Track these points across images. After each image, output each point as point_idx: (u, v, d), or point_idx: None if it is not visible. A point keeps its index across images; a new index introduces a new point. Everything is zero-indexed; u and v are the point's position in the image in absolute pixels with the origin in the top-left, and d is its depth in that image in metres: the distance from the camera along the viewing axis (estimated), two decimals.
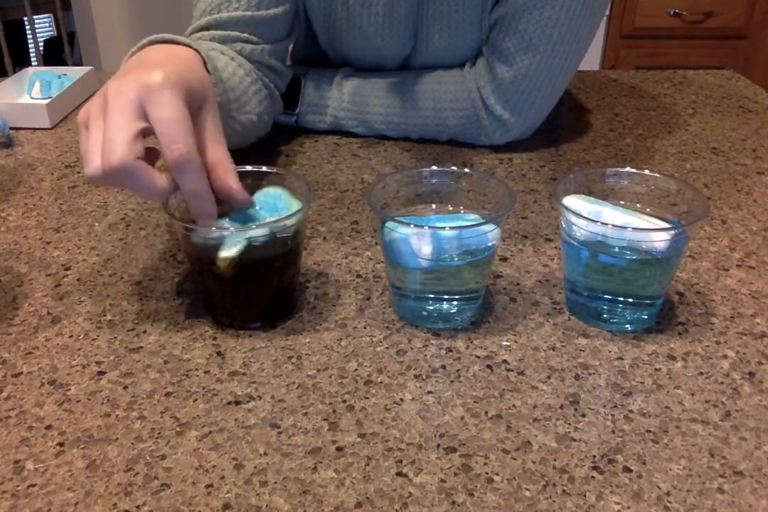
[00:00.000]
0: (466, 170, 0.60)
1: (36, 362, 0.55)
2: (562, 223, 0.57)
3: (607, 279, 0.57)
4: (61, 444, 0.48)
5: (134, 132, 0.50)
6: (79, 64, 2.89)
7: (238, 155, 0.85)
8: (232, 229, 0.54)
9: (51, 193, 0.79)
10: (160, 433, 0.49)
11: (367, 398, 0.52)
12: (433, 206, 0.61)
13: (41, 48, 2.98)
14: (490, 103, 0.84)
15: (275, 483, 0.45)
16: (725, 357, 0.55)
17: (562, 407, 0.51)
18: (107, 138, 0.50)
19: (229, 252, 0.53)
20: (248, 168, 0.60)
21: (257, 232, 0.53)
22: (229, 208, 0.59)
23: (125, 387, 0.53)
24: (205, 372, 0.54)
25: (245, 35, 0.80)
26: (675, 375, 0.54)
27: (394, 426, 0.49)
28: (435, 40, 0.85)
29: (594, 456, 0.47)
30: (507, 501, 0.44)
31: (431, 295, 0.58)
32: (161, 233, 0.72)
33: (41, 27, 3.43)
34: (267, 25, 0.81)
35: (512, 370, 0.54)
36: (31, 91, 1.02)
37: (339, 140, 0.91)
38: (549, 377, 0.53)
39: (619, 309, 0.58)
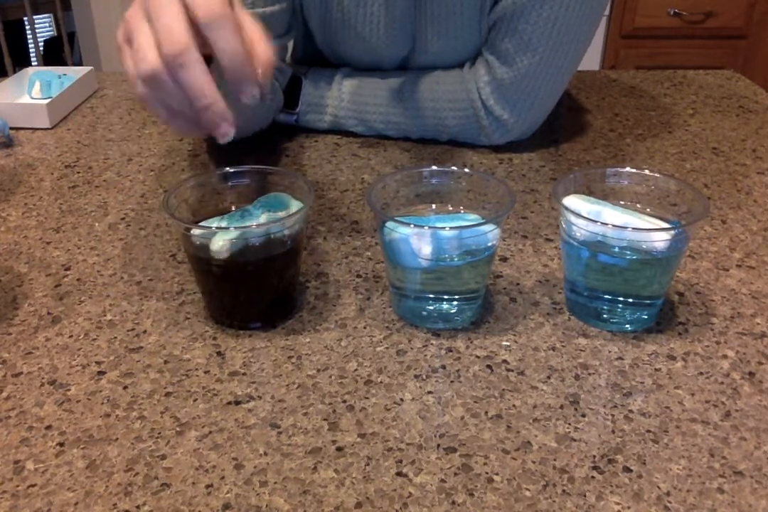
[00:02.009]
0: (466, 170, 0.60)
1: (36, 362, 0.55)
2: (562, 223, 0.57)
3: (607, 279, 0.57)
4: (61, 444, 0.48)
5: (188, 21, 0.47)
6: (79, 64, 2.89)
7: (239, 155, 0.86)
8: (231, 228, 0.54)
9: (51, 193, 0.79)
10: (160, 433, 0.49)
11: (367, 398, 0.52)
12: (433, 206, 0.61)
13: (41, 48, 2.98)
14: (490, 103, 0.84)
15: (275, 483, 0.45)
16: (725, 357, 0.55)
17: (562, 407, 0.51)
18: (163, 29, 0.46)
19: (221, 243, 0.53)
20: (248, 168, 0.61)
21: (255, 231, 0.54)
22: (228, 207, 0.59)
23: (125, 387, 0.53)
24: (205, 372, 0.54)
25: None
26: (675, 375, 0.54)
27: (394, 426, 0.49)
28: (433, 41, 0.85)
29: (594, 456, 0.47)
30: (507, 501, 0.44)
31: (431, 295, 0.58)
32: (161, 233, 0.72)
33: (41, 27, 3.43)
34: (263, 22, 0.81)
35: (512, 370, 0.54)
36: (31, 91, 1.02)
37: (339, 140, 0.91)
38: (549, 377, 0.53)
39: (619, 309, 0.58)
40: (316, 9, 0.86)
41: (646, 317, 0.58)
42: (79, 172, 0.84)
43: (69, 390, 0.53)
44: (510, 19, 0.80)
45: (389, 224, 0.55)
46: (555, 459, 0.47)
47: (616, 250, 0.55)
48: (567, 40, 0.81)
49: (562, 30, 0.80)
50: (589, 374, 0.54)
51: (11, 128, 0.93)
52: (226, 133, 0.50)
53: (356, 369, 0.54)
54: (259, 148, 0.88)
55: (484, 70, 0.84)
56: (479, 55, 0.86)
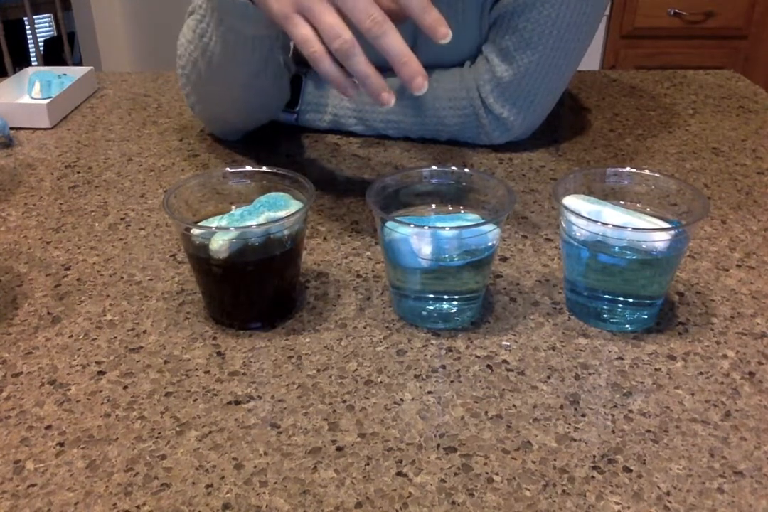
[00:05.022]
0: (466, 170, 0.60)
1: (36, 362, 0.55)
2: (562, 223, 0.57)
3: (607, 279, 0.57)
4: (61, 444, 0.48)
5: None
6: (79, 64, 2.89)
7: (239, 155, 0.86)
8: (231, 228, 0.54)
9: (51, 193, 0.79)
10: (160, 433, 0.49)
11: (367, 398, 0.52)
12: (433, 206, 0.61)
13: (41, 48, 2.98)
14: (489, 101, 0.84)
15: (275, 483, 0.45)
16: (725, 357, 0.55)
17: (562, 407, 0.51)
18: (356, 7, 0.56)
19: (220, 242, 0.53)
20: (248, 168, 0.61)
21: (255, 231, 0.54)
22: (228, 207, 0.59)
23: (125, 387, 0.53)
24: (205, 372, 0.54)
25: None
26: (675, 375, 0.54)
27: (394, 426, 0.49)
28: None
29: (594, 456, 0.47)
30: (507, 501, 0.44)
31: (431, 295, 0.58)
32: (161, 233, 0.72)
33: (41, 27, 3.43)
34: None
35: (512, 370, 0.54)
36: (31, 91, 1.02)
37: (339, 140, 0.91)
38: (549, 377, 0.53)
39: (619, 309, 0.58)
40: None
41: (646, 317, 0.58)
42: (79, 172, 0.84)
43: (69, 390, 0.53)
44: (511, 16, 0.81)
45: (389, 224, 0.55)
46: (555, 459, 0.47)
47: (616, 250, 0.55)
48: (568, 39, 0.81)
49: (562, 28, 0.80)
50: (589, 374, 0.54)
51: (11, 128, 0.93)
52: (421, 85, 0.59)
53: (356, 369, 0.54)
54: (259, 148, 0.88)
55: (484, 68, 0.84)
56: (479, 53, 0.86)
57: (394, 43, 0.57)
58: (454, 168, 0.60)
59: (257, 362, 0.55)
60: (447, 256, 0.55)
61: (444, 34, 0.57)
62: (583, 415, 0.50)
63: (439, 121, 0.87)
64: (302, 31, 0.58)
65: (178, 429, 0.49)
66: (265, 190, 0.59)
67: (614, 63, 2.31)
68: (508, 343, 0.57)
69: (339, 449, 0.48)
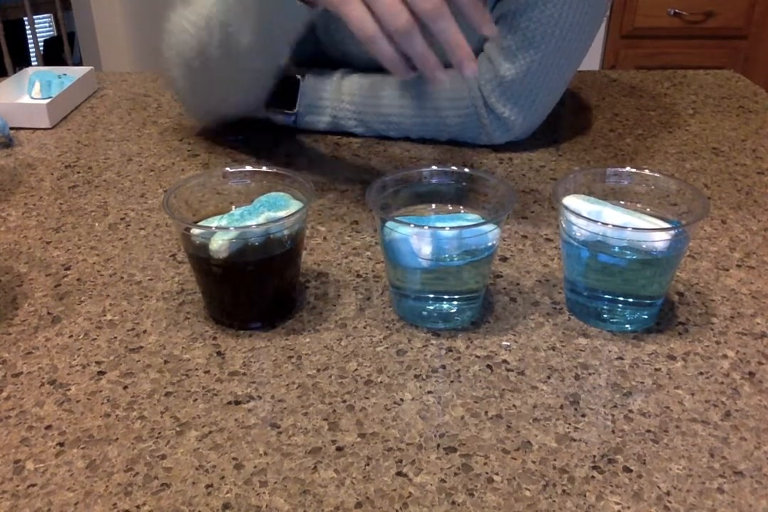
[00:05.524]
0: (466, 170, 0.60)
1: (36, 362, 0.55)
2: (562, 222, 0.57)
3: (607, 279, 0.57)
4: (61, 444, 0.48)
5: None
6: (79, 64, 2.89)
7: (239, 155, 0.86)
8: (231, 227, 0.54)
9: (51, 193, 0.79)
10: (160, 433, 0.49)
11: (367, 398, 0.52)
12: (433, 206, 0.61)
13: (41, 48, 2.98)
14: (491, 101, 0.84)
15: (275, 483, 0.45)
16: (725, 357, 0.55)
17: (562, 407, 0.51)
18: None
19: (220, 242, 0.53)
20: (248, 168, 0.61)
21: (255, 231, 0.54)
22: (228, 207, 0.59)
23: (125, 387, 0.53)
24: (205, 372, 0.54)
25: None
26: (675, 375, 0.54)
27: (394, 426, 0.49)
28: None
29: (594, 456, 0.47)
30: (507, 501, 0.44)
31: (431, 295, 0.58)
32: (161, 233, 0.72)
33: (41, 27, 3.43)
34: None
35: (512, 370, 0.54)
36: (31, 91, 1.02)
37: (339, 140, 0.91)
38: (549, 377, 0.53)
39: (619, 309, 0.58)
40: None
41: (646, 317, 0.58)
42: (79, 172, 0.84)
43: (69, 390, 0.53)
44: (513, 16, 0.81)
45: (389, 224, 0.55)
46: (555, 459, 0.47)
47: (616, 249, 0.55)
48: (570, 38, 0.81)
49: (565, 28, 0.80)
50: (589, 374, 0.54)
51: (11, 128, 0.93)
52: (473, 70, 0.61)
53: (356, 369, 0.54)
54: (259, 148, 0.88)
55: (486, 67, 0.84)
56: (481, 53, 0.86)
57: (451, 26, 0.57)
58: (454, 168, 0.60)
59: (257, 362, 0.55)
60: (447, 256, 0.55)
61: (491, 30, 0.60)
62: (583, 415, 0.50)
63: (441, 121, 0.87)
64: (358, 13, 0.58)
65: (178, 429, 0.49)
66: (265, 190, 0.59)
67: (614, 63, 2.31)
68: (508, 343, 0.57)
69: (339, 449, 0.48)
